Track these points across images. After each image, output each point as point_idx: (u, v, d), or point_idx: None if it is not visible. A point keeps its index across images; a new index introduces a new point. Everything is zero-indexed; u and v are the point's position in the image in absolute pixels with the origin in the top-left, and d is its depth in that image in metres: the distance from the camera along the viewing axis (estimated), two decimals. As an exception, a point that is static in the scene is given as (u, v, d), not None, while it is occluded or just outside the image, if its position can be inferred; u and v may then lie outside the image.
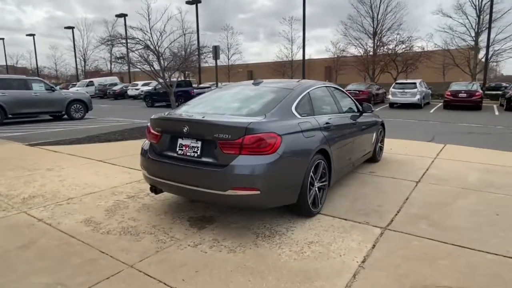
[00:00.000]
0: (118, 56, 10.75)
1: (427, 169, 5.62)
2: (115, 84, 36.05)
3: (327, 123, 3.91)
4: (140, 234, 3.26)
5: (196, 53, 11.48)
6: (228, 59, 43.70)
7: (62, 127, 11.54)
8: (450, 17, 25.52)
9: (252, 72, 55.55)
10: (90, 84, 35.40)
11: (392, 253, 2.88)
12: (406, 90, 19.17)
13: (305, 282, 2.48)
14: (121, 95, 32.02)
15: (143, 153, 3.69)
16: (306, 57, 35.80)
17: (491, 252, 2.88)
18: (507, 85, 22.95)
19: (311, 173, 3.47)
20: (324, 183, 3.79)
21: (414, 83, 19.40)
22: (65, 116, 13.76)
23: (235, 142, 3.02)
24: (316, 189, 3.61)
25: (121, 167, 5.77)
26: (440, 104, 20.34)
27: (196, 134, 3.25)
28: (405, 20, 46.19)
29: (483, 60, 23.50)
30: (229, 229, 3.37)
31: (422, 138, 9.05)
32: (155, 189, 3.68)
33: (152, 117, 3.73)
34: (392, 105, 19.97)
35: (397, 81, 20.49)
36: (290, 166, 3.22)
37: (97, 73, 47.50)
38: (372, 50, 27.69)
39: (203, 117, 3.36)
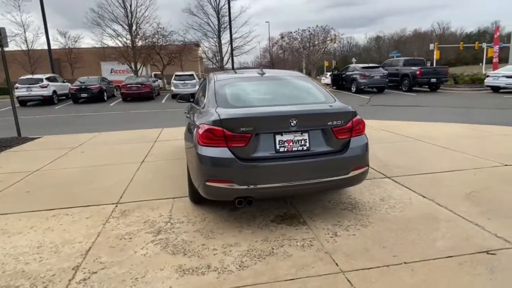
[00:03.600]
0: None
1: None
2: None
3: None
4: (279, 250, 2.82)
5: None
6: None
7: None
8: (197, 16, 29.27)
9: None
10: None
11: (424, 187, 4.10)
12: (186, 82, 20.75)
13: (436, 221, 3.27)
14: None
15: (221, 162, 2.98)
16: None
17: (448, 170, 4.71)
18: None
19: None
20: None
21: (192, 75, 21.30)
22: None
23: (347, 127, 3.22)
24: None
25: (31, 213, 3.79)
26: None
27: (305, 126, 3.10)
28: (158, 14, 47.70)
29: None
30: (323, 215, 3.48)
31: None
32: (248, 201, 3.09)
33: (226, 117, 3.02)
34: (175, 96, 21.09)
35: (176, 73, 21.68)
36: None
37: None
38: (130, 42, 27.18)
39: (310, 108, 3.22)
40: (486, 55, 25.89)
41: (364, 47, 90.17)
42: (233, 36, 26.95)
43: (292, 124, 3.05)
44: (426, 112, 11.99)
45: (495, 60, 23.79)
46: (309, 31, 28.15)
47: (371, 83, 19.00)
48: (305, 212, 3.58)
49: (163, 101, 20.33)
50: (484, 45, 34.45)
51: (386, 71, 19.45)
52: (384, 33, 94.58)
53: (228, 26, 27.23)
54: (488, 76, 18.32)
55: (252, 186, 3.01)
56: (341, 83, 21.73)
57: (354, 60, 42.02)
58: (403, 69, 19.60)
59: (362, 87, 19.12)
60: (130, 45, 27.23)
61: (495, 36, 24.48)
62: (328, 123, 3.17)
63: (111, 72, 29.87)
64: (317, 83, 4.03)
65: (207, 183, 3.06)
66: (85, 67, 42.42)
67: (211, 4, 28.89)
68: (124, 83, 20.79)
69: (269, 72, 4.20)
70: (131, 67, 27.52)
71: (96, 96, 20.56)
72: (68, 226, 3.45)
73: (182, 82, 20.78)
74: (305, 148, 3.13)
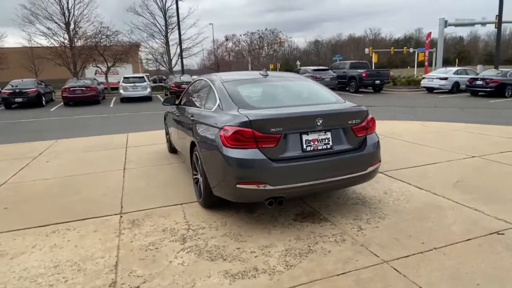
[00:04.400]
0: None
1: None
2: None
3: None
4: (316, 247, 2.89)
5: None
6: None
7: None
8: (143, 16, 27.93)
9: None
10: None
11: (416, 180, 4.46)
12: (137, 84, 19.80)
13: (442, 209, 3.60)
14: None
15: (253, 164, 2.97)
16: None
17: (427, 164, 5.17)
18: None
19: None
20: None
21: (143, 77, 20.38)
22: None
23: (363, 125, 3.41)
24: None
25: (24, 231, 3.40)
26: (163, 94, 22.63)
27: (329, 125, 3.21)
28: (99, 12, 44.23)
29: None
30: (340, 210, 3.63)
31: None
32: (279, 201, 3.11)
33: (256, 118, 3.01)
34: (123, 100, 19.97)
35: (125, 76, 20.55)
36: None
37: None
38: (68, 41, 25.06)
39: (332, 108, 3.32)
40: (417, 59, 28.81)
41: (304, 51, 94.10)
42: (182, 37, 26.32)
43: (318, 123, 3.15)
44: (378, 111, 12.91)
45: (426, 63, 26.52)
46: (259, 34, 28.64)
47: (322, 84, 19.87)
48: (321, 209, 3.69)
49: (111, 105, 19.16)
50: (412, 49, 38.19)
51: (335, 74, 20.55)
52: (322, 37, 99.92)
53: (176, 27, 26.58)
54: (424, 78, 20.34)
55: (283, 186, 3.04)
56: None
57: (298, 63, 43.65)
58: (350, 72, 20.89)
59: (314, 88, 19.92)
60: (68, 45, 25.17)
61: (427, 42, 27.32)
62: (348, 122, 3.33)
63: (95, 73, 28.02)
64: (321, 84, 4.18)
65: (238, 186, 3.02)
66: (9, 69, 38.22)
67: (157, 3, 27.91)
68: (66, 86, 19.21)
69: (272, 74, 4.25)
70: (69, 69, 25.48)
71: (33, 101, 18.68)
72: (78, 241, 3.15)
73: (132, 85, 19.77)
74: (328, 146, 3.24)
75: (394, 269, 2.56)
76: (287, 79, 4.27)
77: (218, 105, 3.58)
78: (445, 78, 18.60)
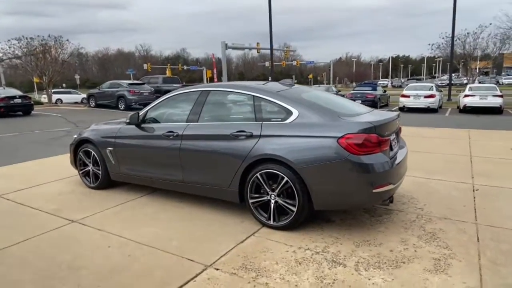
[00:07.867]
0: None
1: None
2: None
3: None
4: (420, 233, 3.36)
5: None
6: None
7: None
8: None
9: None
10: None
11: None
12: None
13: (426, 184, 4.87)
14: None
15: (385, 167, 3.13)
16: None
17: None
18: None
19: None
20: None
21: None
22: None
23: (400, 127, 4.12)
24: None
25: None
26: None
27: (396, 128, 3.71)
28: None
29: None
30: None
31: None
32: (391, 200, 3.33)
33: (379, 124, 3.18)
34: None
35: None
36: None
37: None
38: None
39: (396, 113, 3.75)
40: (206, 75, 32.29)
41: (66, 63, 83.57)
42: None
43: (398, 126, 3.65)
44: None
45: (216, 79, 30.21)
46: (40, 41, 23.25)
47: (140, 99, 18.88)
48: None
49: None
50: (186, 67, 42.07)
51: (152, 88, 19.96)
52: (85, 49, 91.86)
53: None
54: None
55: (397, 184, 3.36)
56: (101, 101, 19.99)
57: (77, 76, 38.46)
58: (164, 86, 20.92)
59: (133, 103, 18.66)
60: None
61: (214, 61, 31.13)
62: (399, 125, 3.99)
63: None
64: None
65: (375, 191, 3.08)
66: None
67: None
68: None
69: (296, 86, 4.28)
70: None
71: None
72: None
73: None
74: (396, 146, 3.77)
75: (488, 225, 3.46)
76: (311, 89, 4.41)
77: (298, 115, 3.36)
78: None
